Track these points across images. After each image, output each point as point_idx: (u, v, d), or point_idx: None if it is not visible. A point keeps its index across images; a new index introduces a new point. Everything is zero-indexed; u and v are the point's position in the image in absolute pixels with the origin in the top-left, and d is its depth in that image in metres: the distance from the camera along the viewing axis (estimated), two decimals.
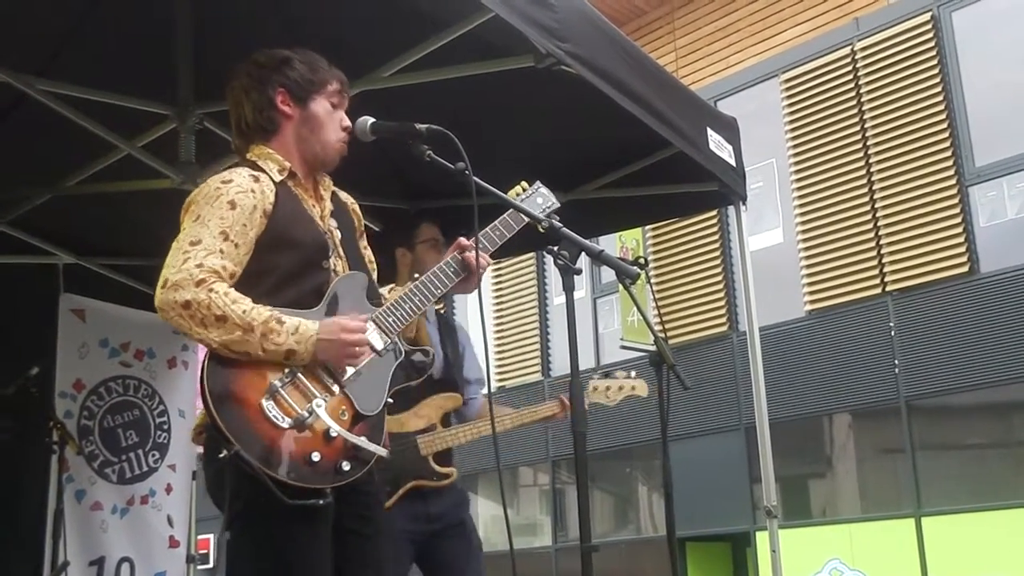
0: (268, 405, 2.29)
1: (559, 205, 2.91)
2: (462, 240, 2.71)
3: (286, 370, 2.35)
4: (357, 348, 2.41)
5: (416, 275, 2.71)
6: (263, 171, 2.51)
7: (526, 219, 2.74)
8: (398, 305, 2.58)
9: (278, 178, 2.52)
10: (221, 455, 2.22)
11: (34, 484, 4.92)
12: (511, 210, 2.78)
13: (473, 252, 2.65)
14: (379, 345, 2.52)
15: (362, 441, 2.39)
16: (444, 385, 3.62)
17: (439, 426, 3.56)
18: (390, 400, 2.55)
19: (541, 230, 2.61)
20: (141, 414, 5.49)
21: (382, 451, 2.45)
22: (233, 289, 2.33)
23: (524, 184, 2.91)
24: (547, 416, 3.86)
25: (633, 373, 3.94)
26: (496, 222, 2.80)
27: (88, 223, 5.03)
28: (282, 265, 2.44)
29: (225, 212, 2.38)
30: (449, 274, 2.66)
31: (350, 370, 2.44)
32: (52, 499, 4.84)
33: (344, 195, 2.78)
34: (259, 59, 2.62)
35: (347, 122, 2.64)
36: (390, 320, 2.55)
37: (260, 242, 2.42)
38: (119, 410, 5.39)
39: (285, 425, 2.29)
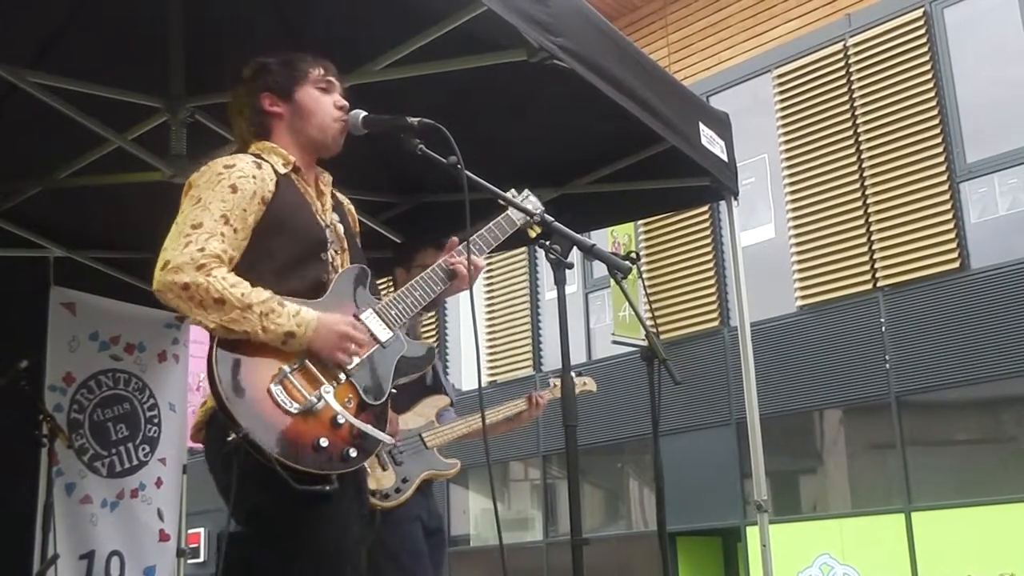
0: (277, 390, 2.30)
1: (544, 211, 2.93)
2: (454, 239, 2.75)
3: (294, 357, 2.35)
4: (353, 345, 2.42)
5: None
6: (266, 162, 2.53)
7: (518, 222, 2.81)
8: (400, 299, 2.63)
9: (282, 170, 2.54)
10: (230, 438, 2.21)
11: (24, 477, 4.90)
12: (505, 213, 2.85)
13: (461, 257, 2.70)
14: (383, 337, 2.54)
15: (368, 428, 2.39)
16: (435, 390, 3.85)
17: (436, 423, 3.76)
18: (394, 391, 2.56)
19: (532, 233, 2.64)
20: (131, 408, 5.48)
21: (388, 439, 2.46)
22: (232, 274, 2.34)
23: (513, 191, 2.94)
24: (517, 413, 4.05)
25: (582, 373, 4.30)
26: (491, 224, 2.84)
27: (79, 216, 5.01)
28: (279, 252, 2.45)
29: (226, 196, 2.40)
30: (442, 276, 2.71)
31: (355, 359, 2.44)
32: (42, 492, 4.83)
33: (341, 196, 2.79)
34: (244, 74, 2.68)
35: (342, 101, 2.65)
36: (392, 313, 2.59)
37: (257, 228, 2.44)
38: (109, 404, 5.38)
39: (293, 410, 2.29)
